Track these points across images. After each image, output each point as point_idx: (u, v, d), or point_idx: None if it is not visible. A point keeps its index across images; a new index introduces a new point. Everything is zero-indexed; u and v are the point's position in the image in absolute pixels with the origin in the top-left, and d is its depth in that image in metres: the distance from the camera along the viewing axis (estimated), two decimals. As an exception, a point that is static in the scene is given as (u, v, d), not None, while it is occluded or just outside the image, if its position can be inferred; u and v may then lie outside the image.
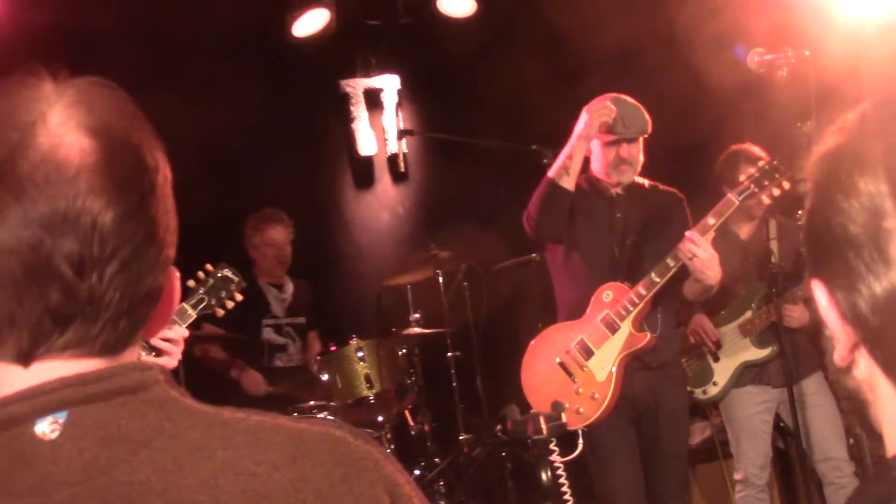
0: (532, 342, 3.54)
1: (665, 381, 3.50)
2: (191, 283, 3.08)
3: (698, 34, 4.86)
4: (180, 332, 2.87)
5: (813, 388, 4.04)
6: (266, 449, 0.81)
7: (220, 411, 0.84)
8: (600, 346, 3.40)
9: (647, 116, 3.53)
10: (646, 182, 3.68)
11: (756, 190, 3.43)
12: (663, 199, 3.68)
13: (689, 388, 4.18)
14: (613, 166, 3.55)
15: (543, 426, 2.75)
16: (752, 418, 4.10)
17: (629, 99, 3.53)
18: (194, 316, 3.02)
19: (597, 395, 3.35)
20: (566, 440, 2.98)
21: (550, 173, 3.49)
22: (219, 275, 3.13)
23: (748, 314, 4.14)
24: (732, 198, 3.40)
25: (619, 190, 3.59)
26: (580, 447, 3.01)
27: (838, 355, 0.77)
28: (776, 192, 3.45)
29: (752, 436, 4.09)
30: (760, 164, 3.51)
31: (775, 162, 3.45)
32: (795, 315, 3.95)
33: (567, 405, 3.26)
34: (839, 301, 0.74)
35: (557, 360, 3.42)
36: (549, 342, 3.50)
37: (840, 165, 0.73)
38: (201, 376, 4.04)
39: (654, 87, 5.04)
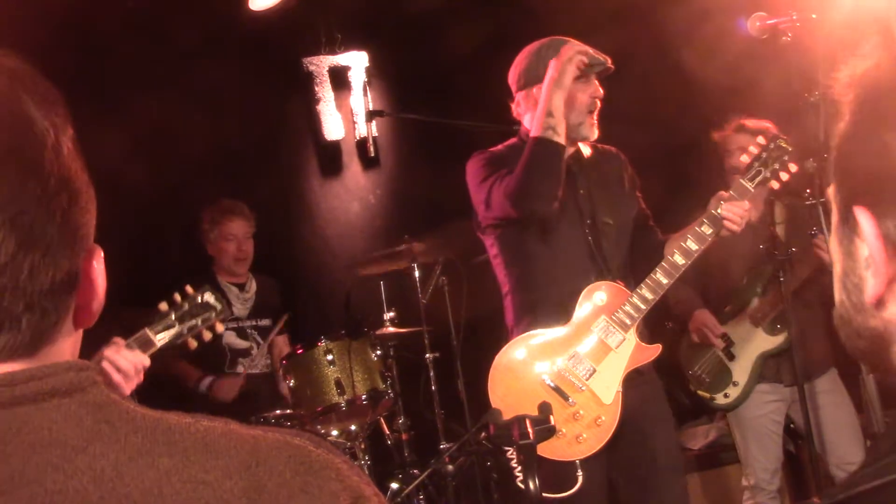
0: (502, 355, 3.15)
1: (645, 388, 3.22)
2: (163, 305, 2.88)
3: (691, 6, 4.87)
4: (138, 358, 2.68)
5: (826, 386, 4.03)
6: (216, 456, 0.80)
7: (165, 415, 0.83)
8: (601, 362, 3.08)
9: None
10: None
11: (768, 175, 3.12)
12: (613, 164, 3.39)
13: (708, 395, 4.17)
14: (589, 111, 3.19)
15: (530, 430, 2.66)
16: (762, 419, 4.09)
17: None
18: (157, 346, 2.80)
19: (602, 419, 3.06)
20: (561, 474, 2.88)
21: (533, 132, 3.10)
22: (198, 300, 2.92)
23: (755, 302, 4.12)
24: (745, 184, 3.10)
25: (569, 159, 3.22)
26: (580, 481, 2.87)
27: (873, 292, 0.77)
28: (784, 176, 3.14)
29: (762, 438, 4.08)
30: (762, 141, 3.16)
31: (781, 141, 3.14)
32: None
33: (563, 431, 2.98)
34: (889, 230, 0.74)
35: (547, 379, 3.07)
36: (529, 355, 3.12)
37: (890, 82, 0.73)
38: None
39: (645, 71, 5.04)
